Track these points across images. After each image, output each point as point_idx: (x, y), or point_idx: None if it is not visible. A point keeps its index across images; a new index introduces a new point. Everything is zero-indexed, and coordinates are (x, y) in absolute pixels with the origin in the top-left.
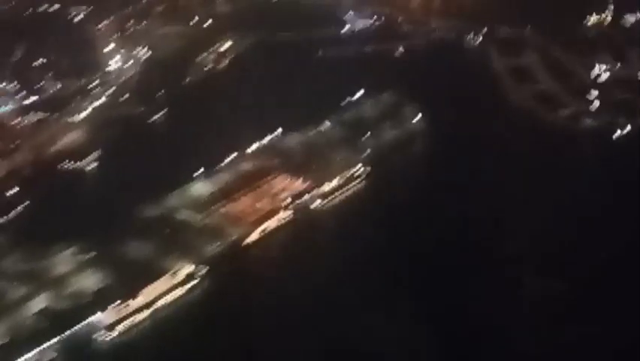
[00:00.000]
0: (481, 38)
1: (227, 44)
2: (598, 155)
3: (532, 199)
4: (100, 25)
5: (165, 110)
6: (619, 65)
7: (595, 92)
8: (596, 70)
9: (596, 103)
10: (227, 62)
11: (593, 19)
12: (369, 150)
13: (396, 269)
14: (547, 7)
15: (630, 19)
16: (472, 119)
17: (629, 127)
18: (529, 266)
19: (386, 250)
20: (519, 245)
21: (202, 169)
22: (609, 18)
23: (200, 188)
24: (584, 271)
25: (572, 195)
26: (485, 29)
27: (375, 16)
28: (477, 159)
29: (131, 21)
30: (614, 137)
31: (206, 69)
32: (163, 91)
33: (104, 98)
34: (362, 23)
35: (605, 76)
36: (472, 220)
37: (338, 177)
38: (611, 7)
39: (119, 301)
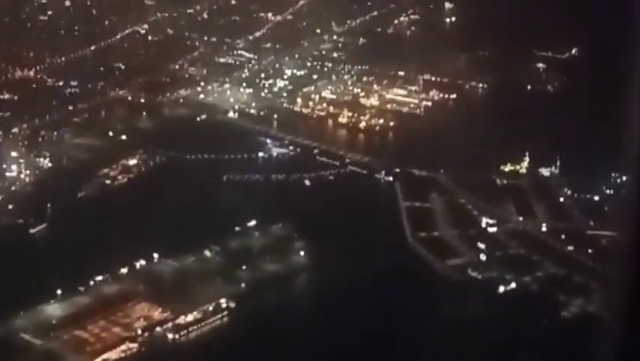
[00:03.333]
0: (391, 177)
1: (134, 160)
2: (477, 310)
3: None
4: (10, 132)
5: (44, 224)
6: (521, 218)
7: (483, 245)
8: (484, 223)
9: (483, 256)
10: (126, 179)
11: (508, 169)
12: (243, 284)
13: None
14: (463, 153)
15: (545, 172)
16: (359, 262)
17: (513, 284)
18: None
19: None
20: None
21: (59, 290)
22: (524, 170)
23: (52, 311)
24: None
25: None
26: (398, 169)
27: (292, 146)
28: (353, 305)
29: (44, 130)
30: (498, 292)
31: (104, 184)
32: (49, 204)
33: None
34: (278, 151)
35: (497, 229)
36: None
37: (197, 311)
38: (527, 159)
39: None
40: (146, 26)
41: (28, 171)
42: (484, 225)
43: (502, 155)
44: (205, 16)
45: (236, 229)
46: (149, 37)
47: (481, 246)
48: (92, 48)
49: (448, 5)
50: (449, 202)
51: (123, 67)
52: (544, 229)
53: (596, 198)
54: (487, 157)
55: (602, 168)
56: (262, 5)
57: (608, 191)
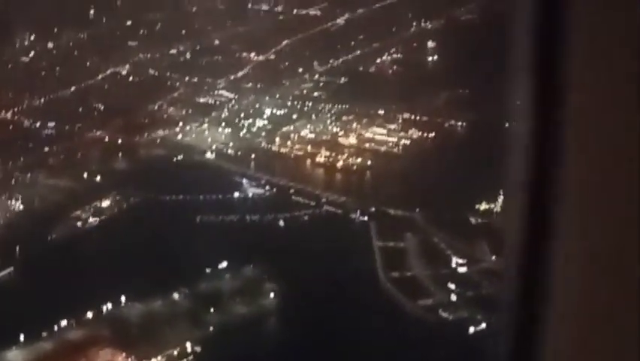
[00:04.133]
0: (366, 217)
1: (107, 202)
2: (446, 351)
3: None
4: None
5: (11, 268)
6: (494, 257)
7: (455, 285)
8: (457, 262)
9: (454, 296)
10: (98, 220)
11: (483, 207)
12: (210, 328)
13: None
14: (440, 191)
15: None
16: (329, 303)
17: (484, 324)
18: None
19: None
20: None
21: (22, 336)
22: (499, 208)
23: (13, 357)
24: None
25: None
26: (373, 208)
27: (268, 186)
28: (322, 347)
29: (17, 172)
30: (468, 333)
31: (76, 226)
32: (18, 247)
33: None
34: (254, 192)
35: (470, 268)
36: None
37: (161, 355)
38: (502, 197)
39: None
40: (127, 67)
41: None
42: (456, 264)
43: (478, 193)
44: (188, 56)
45: (207, 270)
46: (130, 78)
47: (453, 286)
48: (72, 89)
49: (430, 44)
50: (423, 242)
51: (102, 108)
52: None
53: None
54: (463, 196)
55: None
56: (245, 45)
57: None
